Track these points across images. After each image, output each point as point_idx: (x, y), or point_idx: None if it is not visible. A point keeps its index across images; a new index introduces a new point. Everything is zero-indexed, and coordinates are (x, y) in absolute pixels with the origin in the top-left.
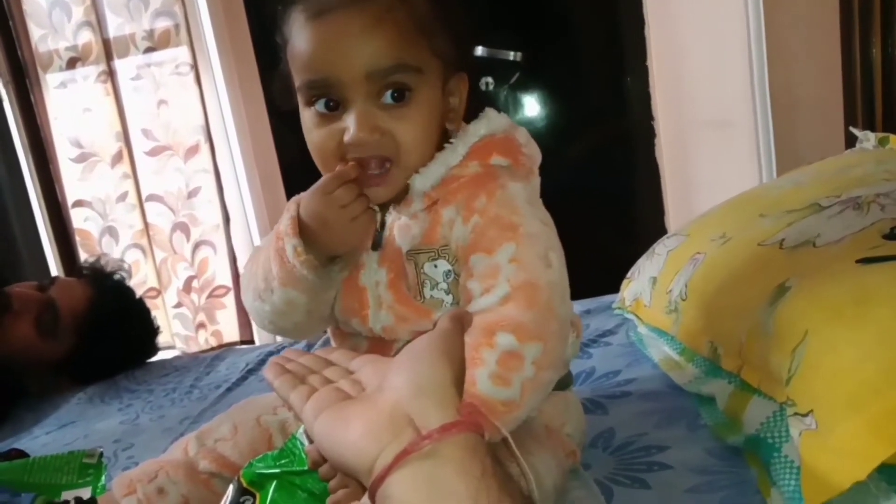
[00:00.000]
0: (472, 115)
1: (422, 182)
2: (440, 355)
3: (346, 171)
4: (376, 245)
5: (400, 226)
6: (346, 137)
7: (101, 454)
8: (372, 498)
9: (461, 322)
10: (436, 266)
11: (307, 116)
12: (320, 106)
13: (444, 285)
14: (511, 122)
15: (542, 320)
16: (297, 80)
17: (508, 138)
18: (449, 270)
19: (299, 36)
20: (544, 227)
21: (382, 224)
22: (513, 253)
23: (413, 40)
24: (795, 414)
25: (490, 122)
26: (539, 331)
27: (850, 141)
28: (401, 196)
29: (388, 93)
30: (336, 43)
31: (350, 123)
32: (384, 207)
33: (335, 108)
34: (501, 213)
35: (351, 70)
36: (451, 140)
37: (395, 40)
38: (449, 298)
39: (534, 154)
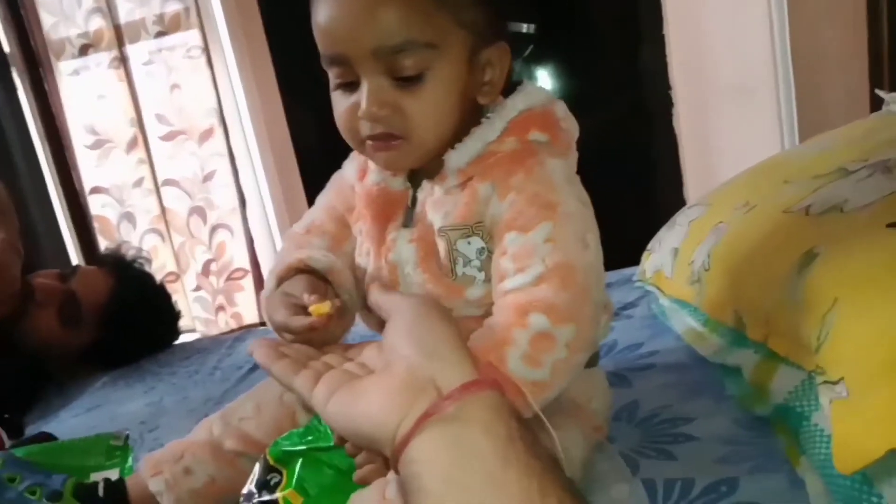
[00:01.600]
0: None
1: (458, 158)
2: (437, 316)
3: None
4: (407, 222)
5: (433, 201)
6: (359, 112)
7: (128, 436)
8: (395, 467)
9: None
10: (469, 243)
11: (331, 88)
12: (339, 79)
13: (476, 262)
14: (550, 95)
15: (576, 302)
16: (320, 53)
17: (547, 112)
18: (483, 248)
19: (316, 8)
20: (582, 207)
21: (414, 200)
22: (549, 232)
23: (429, 12)
24: (825, 382)
25: (528, 95)
26: (573, 313)
27: (877, 104)
28: (434, 171)
29: (400, 69)
30: (344, 18)
31: (361, 98)
32: (416, 182)
33: (352, 83)
34: (539, 191)
35: (358, 47)
36: (489, 115)
37: (404, 13)
38: (481, 276)
39: (572, 129)
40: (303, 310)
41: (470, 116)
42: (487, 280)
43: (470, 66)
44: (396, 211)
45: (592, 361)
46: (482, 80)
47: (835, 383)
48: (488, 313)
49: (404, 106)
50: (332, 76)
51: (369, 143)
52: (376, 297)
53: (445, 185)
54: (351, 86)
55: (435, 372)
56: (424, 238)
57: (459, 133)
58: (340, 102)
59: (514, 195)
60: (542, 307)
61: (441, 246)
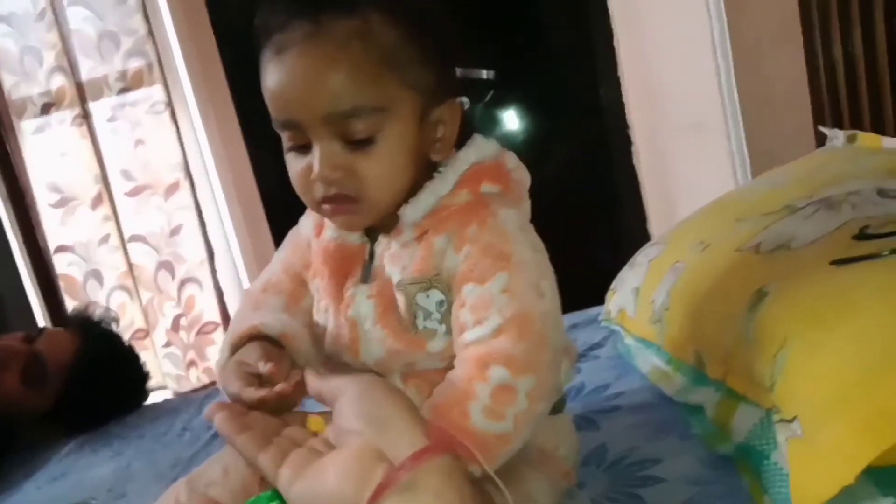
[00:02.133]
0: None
1: (412, 212)
2: (380, 388)
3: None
4: (365, 277)
5: (391, 255)
6: (312, 175)
7: None
8: None
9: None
10: (428, 296)
11: (285, 150)
12: (292, 142)
13: (437, 315)
14: (499, 147)
15: (534, 352)
16: (272, 117)
17: (498, 164)
18: (442, 300)
19: (265, 73)
20: (536, 255)
21: (371, 255)
22: (505, 283)
23: (375, 76)
24: (781, 420)
25: (479, 148)
26: (532, 363)
27: (821, 139)
28: (390, 226)
29: (351, 134)
30: (293, 84)
31: (314, 162)
32: (373, 237)
33: (305, 145)
34: (493, 241)
35: (308, 112)
36: (441, 169)
37: (351, 80)
38: (442, 328)
39: (523, 178)
40: (257, 378)
41: (423, 172)
42: (448, 332)
43: (421, 125)
44: (354, 266)
45: (558, 407)
46: (434, 138)
47: (790, 421)
48: (450, 366)
49: (357, 168)
50: (285, 139)
51: (325, 206)
52: (316, 385)
53: (402, 239)
54: (304, 148)
55: (386, 443)
56: (382, 293)
57: (413, 188)
58: (294, 164)
59: (469, 247)
60: (501, 359)
61: (400, 300)
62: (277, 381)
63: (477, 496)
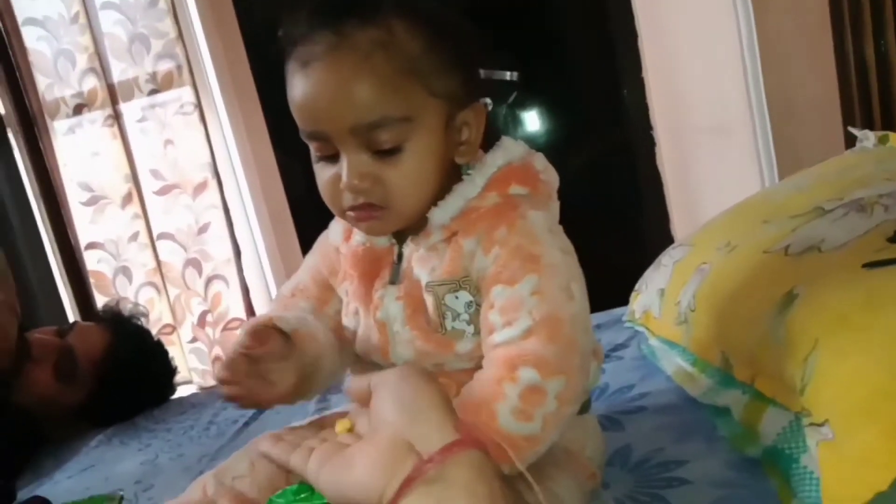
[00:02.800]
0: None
1: (440, 215)
2: (419, 379)
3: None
4: (394, 279)
5: (419, 257)
6: (340, 185)
7: (122, 497)
8: None
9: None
10: (457, 297)
11: (313, 160)
12: (320, 152)
13: (465, 316)
14: (528, 148)
15: (564, 354)
16: (299, 128)
17: (526, 166)
18: (470, 301)
19: (292, 85)
20: (565, 257)
21: (400, 256)
22: (535, 285)
23: (400, 86)
24: (811, 424)
25: (507, 151)
26: (562, 365)
27: (850, 141)
28: (419, 228)
29: (378, 143)
30: (319, 96)
31: (342, 171)
32: (401, 240)
33: (333, 155)
34: (522, 244)
35: (335, 124)
36: (469, 171)
37: (376, 91)
38: (470, 329)
39: (552, 180)
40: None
41: (450, 175)
42: (477, 333)
43: (446, 131)
44: (383, 268)
45: (584, 408)
46: (459, 141)
47: (820, 425)
48: (479, 366)
49: (384, 177)
50: (313, 149)
51: (350, 213)
52: (356, 384)
53: (430, 241)
54: (331, 158)
55: (416, 435)
56: (411, 294)
57: (441, 191)
58: (322, 173)
59: (498, 249)
60: (531, 361)
61: (429, 301)
62: (255, 355)
63: (507, 491)
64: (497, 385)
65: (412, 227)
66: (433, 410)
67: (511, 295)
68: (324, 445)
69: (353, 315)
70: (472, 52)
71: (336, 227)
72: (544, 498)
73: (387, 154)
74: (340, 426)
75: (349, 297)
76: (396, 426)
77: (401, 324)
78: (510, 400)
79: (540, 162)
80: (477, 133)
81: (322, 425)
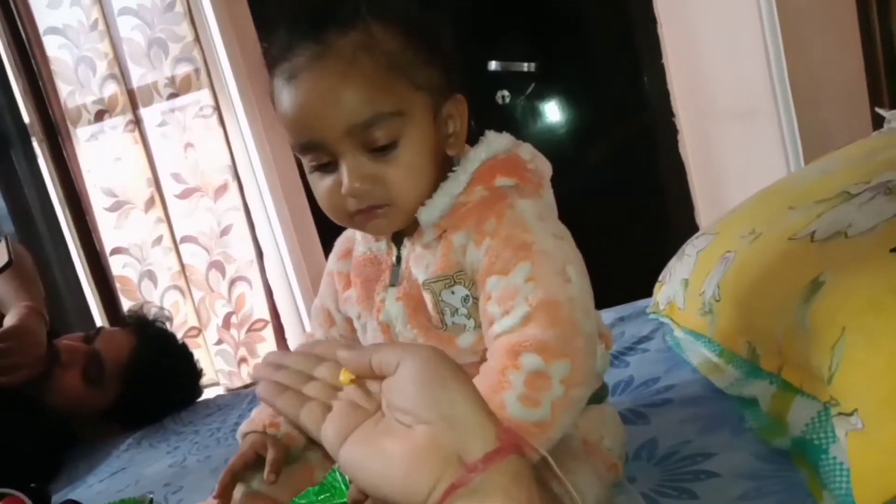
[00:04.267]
0: (483, 131)
1: (428, 214)
2: (452, 380)
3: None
4: (394, 281)
5: (415, 257)
6: (342, 190)
7: (152, 500)
8: None
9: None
10: (453, 293)
11: (308, 172)
12: (315, 162)
13: (463, 310)
14: (513, 139)
15: (566, 337)
16: (290, 141)
17: (511, 157)
18: (467, 295)
19: (280, 100)
20: (559, 242)
21: (398, 258)
22: (529, 272)
23: (387, 83)
24: (840, 413)
25: (489, 145)
26: (564, 348)
27: (878, 122)
28: (413, 228)
29: (374, 142)
30: (310, 105)
31: (343, 176)
32: (398, 241)
33: (329, 163)
34: (513, 233)
35: (330, 129)
36: (454, 168)
37: (365, 90)
38: (471, 323)
39: (541, 168)
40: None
41: (442, 170)
42: (478, 326)
43: (435, 124)
44: (383, 271)
45: (601, 397)
46: (448, 133)
47: (849, 415)
48: (484, 359)
49: (384, 175)
50: (307, 161)
51: (357, 216)
52: (378, 356)
53: (424, 241)
54: (327, 167)
55: (458, 441)
56: (410, 294)
57: (435, 187)
58: (320, 184)
59: (489, 240)
60: (532, 346)
61: (428, 299)
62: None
63: (543, 493)
64: (502, 374)
65: (408, 229)
66: (472, 414)
67: (506, 284)
68: (339, 409)
69: (358, 320)
70: (446, 44)
71: (333, 258)
72: (570, 486)
73: (383, 152)
74: (345, 376)
75: (353, 304)
76: (435, 427)
77: (402, 323)
78: (516, 387)
79: (527, 152)
80: (462, 124)
81: (319, 358)
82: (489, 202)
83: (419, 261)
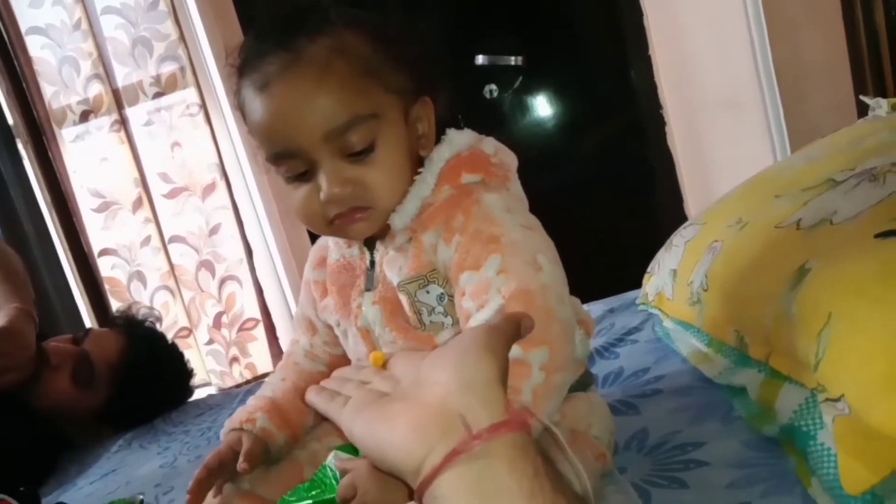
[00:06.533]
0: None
1: (400, 219)
2: (485, 351)
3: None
4: (369, 286)
5: (388, 260)
6: (322, 196)
7: (142, 501)
8: (419, 498)
9: (516, 324)
10: (428, 292)
11: (284, 182)
12: (290, 172)
13: (440, 308)
14: (475, 135)
15: (542, 325)
16: (263, 152)
17: (474, 153)
18: (442, 293)
19: (252, 109)
20: (528, 232)
21: (372, 262)
22: (499, 264)
23: (361, 87)
24: (827, 399)
25: (452, 142)
26: (542, 336)
27: (862, 110)
28: (385, 232)
29: (351, 146)
30: (286, 112)
31: (322, 182)
32: (371, 245)
33: (306, 172)
34: (481, 227)
35: (307, 136)
36: (420, 170)
37: (341, 94)
38: (448, 320)
39: (505, 160)
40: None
41: (416, 171)
42: (456, 324)
43: (407, 125)
44: (357, 276)
45: (585, 384)
46: (419, 135)
47: (836, 400)
48: None
49: (364, 178)
50: (283, 171)
51: (337, 222)
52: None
53: (396, 243)
54: (303, 175)
55: (466, 407)
56: (386, 297)
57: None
58: (297, 193)
59: (459, 237)
60: None
61: (404, 301)
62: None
63: (549, 468)
64: None
65: (379, 233)
66: (488, 386)
67: (479, 279)
68: (360, 392)
69: (337, 326)
70: (413, 47)
71: (308, 267)
72: (577, 462)
73: (361, 156)
74: (375, 357)
75: (332, 312)
76: (446, 390)
77: (381, 326)
78: None
79: (490, 146)
80: (430, 125)
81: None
82: (456, 199)
83: (392, 263)
